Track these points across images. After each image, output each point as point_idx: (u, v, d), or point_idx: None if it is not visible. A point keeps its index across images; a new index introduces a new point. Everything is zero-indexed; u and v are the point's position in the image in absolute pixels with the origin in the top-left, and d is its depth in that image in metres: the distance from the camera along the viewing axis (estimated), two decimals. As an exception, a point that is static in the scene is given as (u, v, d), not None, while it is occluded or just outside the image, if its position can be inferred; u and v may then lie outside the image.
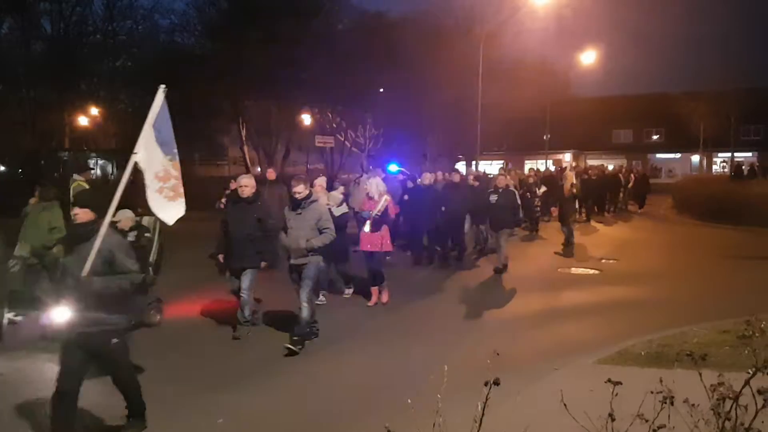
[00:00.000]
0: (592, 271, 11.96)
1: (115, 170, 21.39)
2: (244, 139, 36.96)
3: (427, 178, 12.88)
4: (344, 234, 9.04)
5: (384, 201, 8.71)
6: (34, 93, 29.90)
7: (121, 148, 29.34)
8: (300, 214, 6.93)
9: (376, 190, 8.94)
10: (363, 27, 35.72)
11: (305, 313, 6.74)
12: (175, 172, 4.44)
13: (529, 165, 42.50)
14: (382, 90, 35.22)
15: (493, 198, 11.51)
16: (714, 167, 49.41)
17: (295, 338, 6.61)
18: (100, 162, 22.17)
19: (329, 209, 7.81)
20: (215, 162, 46.27)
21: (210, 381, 5.92)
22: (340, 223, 8.40)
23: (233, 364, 6.45)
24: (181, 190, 4.48)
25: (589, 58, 34.98)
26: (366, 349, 6.92)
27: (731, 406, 2.25)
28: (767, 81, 48.15)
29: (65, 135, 32.01)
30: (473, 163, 34.08)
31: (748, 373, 2.29)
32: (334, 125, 38.01)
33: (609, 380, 2.37)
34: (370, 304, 8.79)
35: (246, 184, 7.30)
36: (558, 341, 7.09)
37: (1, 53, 29.03)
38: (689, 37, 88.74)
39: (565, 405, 2.51)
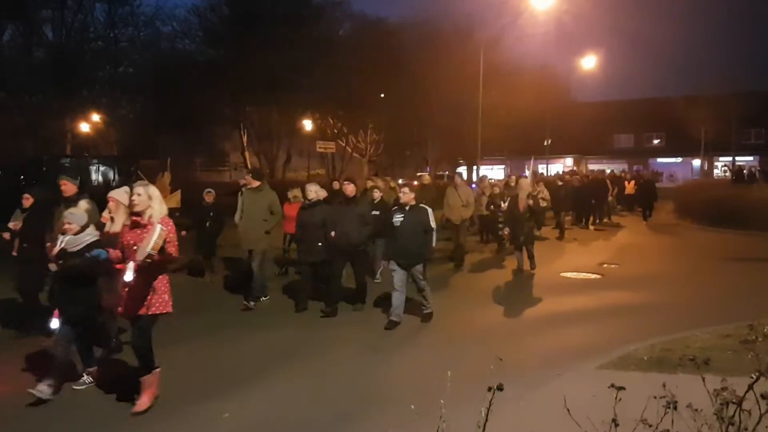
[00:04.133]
0: (593, 276, 11.95)
1: (116, 176, 21.36)
2: (245, 144, 37.01)
3: (312, 191, 8.98)
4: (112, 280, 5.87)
5: (159, 232, 4.95)
6: (35, 99, 29.95)
7: (123, 155, 29.39)
8: None
9: (147, 206, 5.14)
10: (364, 33, 35.84)
11: None
12: None
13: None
14: (383, 95, 35.28)
15: (398, 219, 8.17)
16: (715, 171, 49.38)
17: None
18: (101, 168, 22.14)
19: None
20: (216, 168, 46.36)
21: (213, 380, 5.95)
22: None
23: (233, 366, 6.46)
24: None
25: (589, 62, 35.16)
26: (368, 354, 6.90)
27: (735, 411, 2.25)
28: (768, 85, 48.21)
29: (67, 141, 32.06)
30: (474, 168, 34.15)
31: (752, 377, 2.29)
32: (336, 131, 38.05)
33: (612, 385, 2.37)
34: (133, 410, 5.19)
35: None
36: (560, 346, 7.07)
37: (3, 60, 29.10)
38: (689, 41, 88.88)
39: (568, 410, 2.51)
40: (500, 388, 2.27)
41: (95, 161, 23.13)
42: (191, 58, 35.29)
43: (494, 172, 41.88)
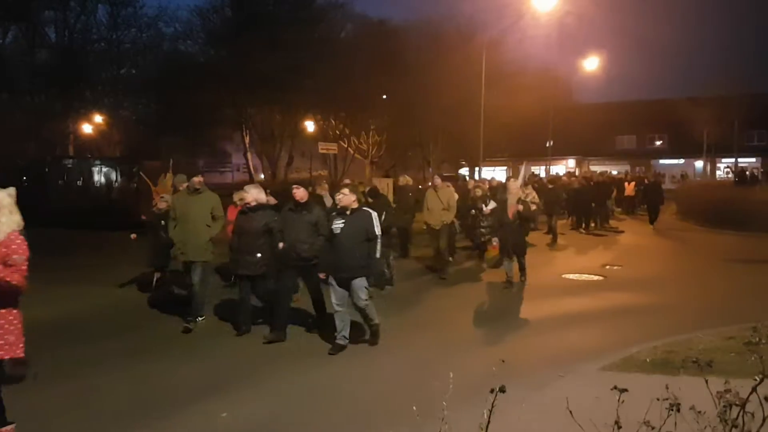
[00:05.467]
0: (596, 278, 11.93)
1: (119, 178, 21.40)
2: (247, 146, 37.08)
3: (250, 194, 7.89)
4: None
5: None
6: (38, 101, 30.05)
7: (126, 156, 29.46)
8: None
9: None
10: (366, 34, 35.88)
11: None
12: None
13: (537, 172, 42.45)
14: (385, 96, 35.31)
15: (338, 225, 7.03)
16: (718, 173, 49.30)
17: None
18: (104, 169, 22.18)
19: None
20: (219, 169, 46.45)
21: (211, 382, 5.94)
22: None
23: (235, 366, 6.46)
24: None
25: (591, 64, 35.08)
26: (369, 355, 6.90)
27: (738, 413, 2.24)
28: (770, 86, 48.15)
29: (70, 143, 32.15)
30: (476, 169, 34.15)
31: (755, 379, 2.28)
32: (338, 132, 38.09)
33: (615, 387, 2.37)
34: None
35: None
36: (563, 348, 7.06)
37: (6, 61, 29.18)
38: (692, 42, 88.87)
39: (570, 412, 2.50)
40: (503, 389, 2.26)
41: (98, 162, 23.15)
42: (194, 60, 35.41)
43: (496, 174, 41.76)
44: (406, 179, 16.08)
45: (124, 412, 5.34)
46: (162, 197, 9.95)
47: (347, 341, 7.00)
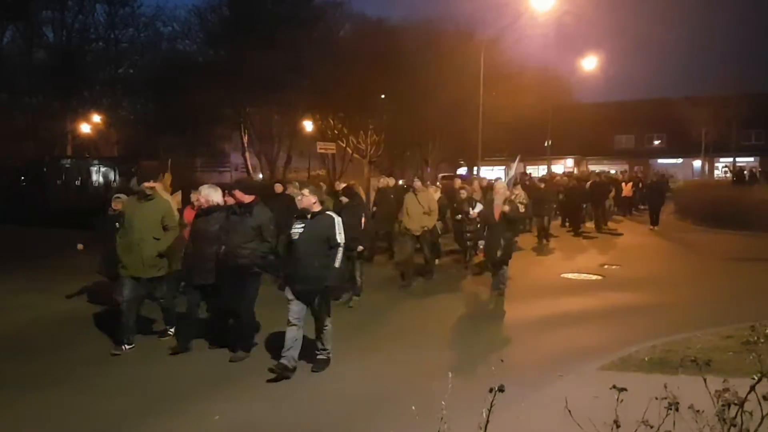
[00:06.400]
0: (594, 277, 11.94)
1: (117, 177, 21.39)
2: (245, 145, 37.05)
3: (202, 195, 7.16)
4: None
5: None
6: (36, 100, 30.04)
7: (124, 156, 29.44)
8: None
9: None
10: (364, 33, 35.83)
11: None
12: None
13: (530, 171, 42.42)
14: (383, 96, 35.30)
15: (297, 230, 6.19)
16: (716, 172, 49.36)
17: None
18: (102, 169, 22.17)
19: None
20: (217, 169, 46.35)
21: (206, 384, 5.93)
22: None
23: (230, 369, 6.41)
24: None
25: (590, 63, 35.17)
26: (368, 355, 6.89)
27: (736, 413, 2.24)
28: (768, 86, 48.29)
29: (68, 142, 32.12)
30: (474, 168, 34.16)
31: (753, 378, 2.29)
32: (336, 131, 38.08)
33: (614, 386, 2.37)
34: None
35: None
36: (561, 347, 7.07)
37: (4, 61, 29.16)
38: (690, 42, 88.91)
39: (569, 411, 2.50)
40: (501, 389, 2.26)
41: (96, 162, 23.15)
42: (192, 59, 35.37)
43: (495, 173, 41.74)
44: (386, 180, 14.78)
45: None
46: (117, 197, 8.64)
47: (294, 364, 6.03)
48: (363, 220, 9.24)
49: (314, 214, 6.18)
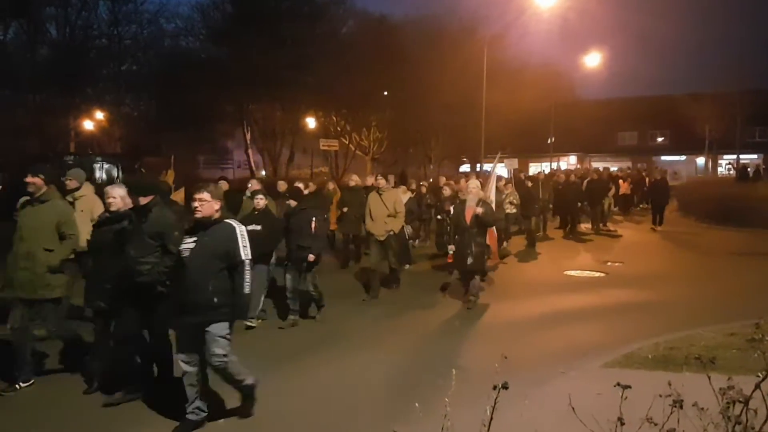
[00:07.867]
0: (597, 274, 11.92)
1: (120, 174, 21.42)
2: (248, 142, 37.08)
3: (112, 197, 5.64)
4: None
5: None
6: (39, 97, 30.06)
7: (127, 152, 29.46)
8: None
9: None
10: (367, 30, 35.86)
11: None
12: None
13: (534, 168, 42.41)
14: (386, 93, 35.30)
15: (187, 246, 4.81)
16: (719, 169, 49.24)
17: None
18: (105, 166, 22.21)
19: None
20: (220, 165, 46.36)
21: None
22: None
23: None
24: None
25: (593, 60, 35.07)
26: (372, 352, 6.89)
27: (741, 410, 2.24)
28: (772, 82, 48.08)
29: (71, 139, 32.17)
30: (477, 165, 34.12)
31: (758, 376, 2.28)
32: (339, 128, 38.10)
33: (617, 384, 2.37)
34: None
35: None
36: (565, 344, 7.06)
37: (7, 58, 29.19)
38: (694, 39, 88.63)
39: (573, 409, 2.50)
40: (505, 386, 2.26)
41: (99, 159, 23.19)
42: (195, 56, 35.39)
43: (497, 170, 41.69)
44: (356, 179, 13.67)
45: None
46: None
47: (205, 414, 4.83)
48: (314, 223, 7.81)
49: (210, 224, 4.77)
